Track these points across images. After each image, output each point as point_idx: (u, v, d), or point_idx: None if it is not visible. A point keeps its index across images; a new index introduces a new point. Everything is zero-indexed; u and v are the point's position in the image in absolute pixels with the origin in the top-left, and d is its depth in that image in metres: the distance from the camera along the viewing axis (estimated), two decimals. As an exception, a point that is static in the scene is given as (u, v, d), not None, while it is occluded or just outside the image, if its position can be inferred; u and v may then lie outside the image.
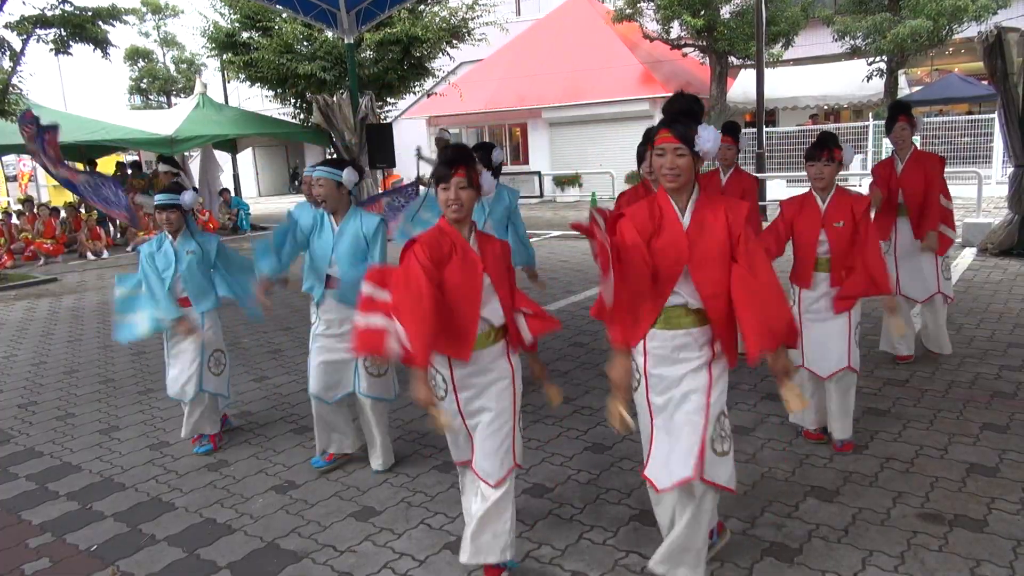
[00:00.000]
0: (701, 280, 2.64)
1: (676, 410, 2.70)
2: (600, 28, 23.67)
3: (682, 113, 2.63)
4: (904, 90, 20.85)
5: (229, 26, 18.65)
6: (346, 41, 14.96)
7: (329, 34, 17.23)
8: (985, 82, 17.36)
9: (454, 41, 18.78)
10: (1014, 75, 8.88)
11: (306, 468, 4.31)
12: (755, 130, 15.79)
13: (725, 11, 20.08)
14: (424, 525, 3.56)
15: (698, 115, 2.62)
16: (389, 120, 19.49)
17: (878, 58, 18.85)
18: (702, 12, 19.48)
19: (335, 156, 15.63)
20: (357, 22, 14.83)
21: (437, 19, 18.54)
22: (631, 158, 5.60)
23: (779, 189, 15.79)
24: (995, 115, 14.27)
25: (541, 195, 22.43)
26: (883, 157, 17.01)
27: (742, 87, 21.67)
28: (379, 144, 14.49)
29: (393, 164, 15.17)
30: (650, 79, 21.78)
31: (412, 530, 3.53)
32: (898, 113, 5.05)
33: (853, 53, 19.36)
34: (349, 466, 4.29)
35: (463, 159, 2.77)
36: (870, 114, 19.07)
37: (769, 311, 2.60)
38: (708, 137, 2.55)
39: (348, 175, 3.98)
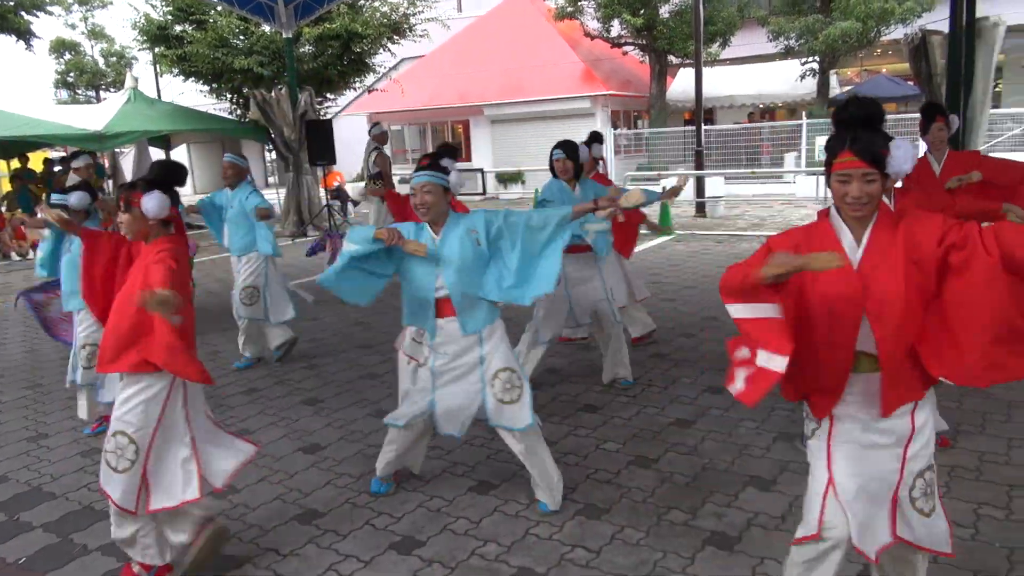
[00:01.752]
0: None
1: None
2: (541, 25, 23.77)
3: (863, 122, 2.10)
4: (835, 90, 21.52)
5: (161, 18, 18.09)
6: (284, 35, 14.69)
7: (266, 28, 16.88)
8: (911, 82, 18.10)
9: (395, 37, 18.60)
10: (937, 76, 9.25)
11: (248, 472, 4.22)
12: (694, 128, 16.05)
13: (664, 10, 20.41)
14: (369, 526, 3.53)
15: (881, 124, 2.12)
16: (329, 116, 19.21)
17: (811, 58, 19.41)
18: (642, 11, 19.76)
19: (275, 149, 15.28)
20: (295, 16, 14.58)
21: (377, 14, 18.34)
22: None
23: (718, 186, 16.12)
24: (919, 115, 14.83)
25: (484, 192, 22.42)
26: (816, 156, 17.67)
27: (681, 85, 22.05)
28: (319, 141, 14.27)
29: (333, 161, 14.95)
30: (591, 77, 21.98)
31: (357, 531, 3.49)
32: (935, 113, 4.62)
33: (787, 53, 19.90)
34: (292, 468, 4.22)
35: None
36: (803, 113, 19.61)
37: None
38: (904, 156, 2.06)
39: (455, 177, 3.38)
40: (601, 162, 6.28)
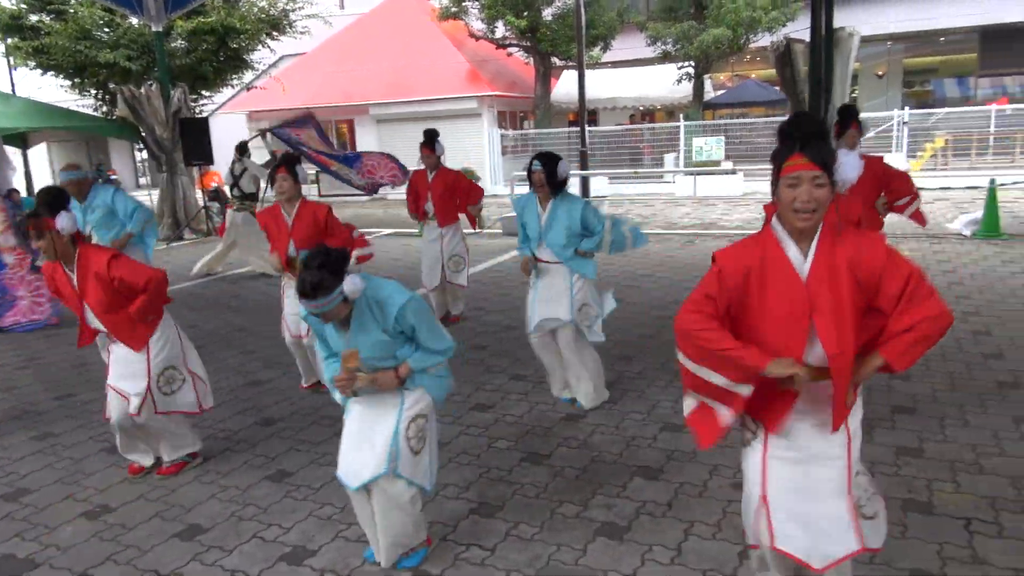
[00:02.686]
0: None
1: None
2: (426, 25, 23.64)
3: (812, 134, 2.12)
4: (709, 93, 22.56)
5: (15, 7, 16.77)
6: (154, 29, 13.94)
7: (134, 20, 15.98)
8: (777, 87, 19.19)
9: (274, 33, 18.02)
10: (801, 81, 9.85)
11: (123, 489, 3.99)
12: (579, 129, 16.41)
13: (547, 13, 20.75)
14: (257, 539, 3.41)
15: (828, 137, 2.17)
16: (205, 114, 18.39)
17: (686, 63, 20.23)
18: (525, 13, 20.01)
19: (146, 148, 14.52)
20: (165, 9, 13.87)
21: (255, 9, 17.70)
22: (461, 154, 5.68)
23: (603, 186, 16.55)
24: (786, 118, 15.77)
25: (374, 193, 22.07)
26: (693, 157, 18.44)
27: (565, 87, 22.49)
28: (195, 140, 13.65)
29: (210, 161, 14.35)
30: (477, 77, 22.07)
31: (244, 545, 3.36)
32: (851, 120, 4.91)
33: (664, 57, 20.67)
34: (171, 483, 4.02)
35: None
36: (681, 115, 20.43)
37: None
38: (851, 165, 2.14)
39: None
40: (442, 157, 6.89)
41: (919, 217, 5.35)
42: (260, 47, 18.24)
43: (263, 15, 17.68)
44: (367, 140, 23.76)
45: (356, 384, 2.92)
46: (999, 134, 18.19)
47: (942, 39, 24.17)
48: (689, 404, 2.42)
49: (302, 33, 18.47)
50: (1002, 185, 11.37)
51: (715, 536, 3.19)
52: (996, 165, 17.47)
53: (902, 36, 23.60)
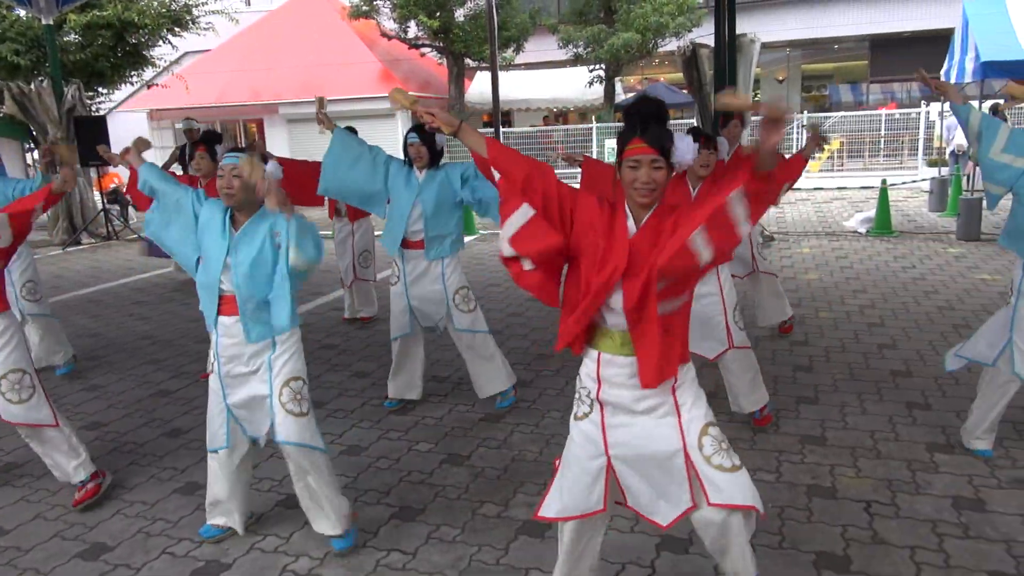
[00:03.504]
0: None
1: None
2: (336, 24, 23.24)
3: (652, 117, 2.25)
4: (620, 95, 23.04)
5: None
6: (44, 22, 13.19)
7: (22, 13, 15.08)
8: (685, 91, 19.76)
9: (176, 29, 17.33)
10: (707, 85, 10.17)
11: (18, 509, 3.75)
12: (493, 130, 16.46)
13: (459, 14, 20.74)
14: (167, 555, 3.27)
15: (666, 120, 2.28)
16: (102, 112, 17.53)
17: (598, 66, 20.60)
18: (438, 14, 19.94)
19: (37, 148, 13.76)
20: (56, 2, 13.14)
21: (155, 3, 16.98)
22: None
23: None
24: (694, 120, 16.29)
25: (283, 194, 21.51)
26: (606, 157, 18.77)
27: (479, 88, 22.53)
28: (91, 139, 12.98)
29: (109, 161, 13.68)
30: (390, 77, 21.84)
31: (153, 562, 3.22)
32: (731, 113, 5.46)
33: (576, 60, 20.98)
34: (72, 501, 3.80)
35: None
36: (593, 117, 20.78)
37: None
38: (686, 148, 2.25)
39: (273, 167, 3.01)
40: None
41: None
42: (161, 43, 17.51)
43: (163, 10, 16.97)
44: (278, 140, 23.19)
45: (253, 175, 2.87)
46: (889, 137, 19.29)
47: (836, 47, 25.45)
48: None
49: (206, 29, 17.83)
50: (893, 185, 12.07)
51: (633, 529, 3.26)
52: (887, 166, 18.51)
53: (800, 43, 24.72)
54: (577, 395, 2.55)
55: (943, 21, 19.15)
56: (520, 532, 3.32)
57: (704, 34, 13.77)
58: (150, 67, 18.35)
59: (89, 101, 15.84)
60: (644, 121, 2.23)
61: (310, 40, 23.04)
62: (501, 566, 3.08)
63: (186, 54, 23.50)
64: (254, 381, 3.10)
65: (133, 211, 16.16)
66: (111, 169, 15.03)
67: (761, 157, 2.11)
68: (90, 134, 12.94)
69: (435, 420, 4.66)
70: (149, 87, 20.11)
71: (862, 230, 10.85)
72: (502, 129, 16.08)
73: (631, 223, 2.31)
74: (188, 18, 17.39)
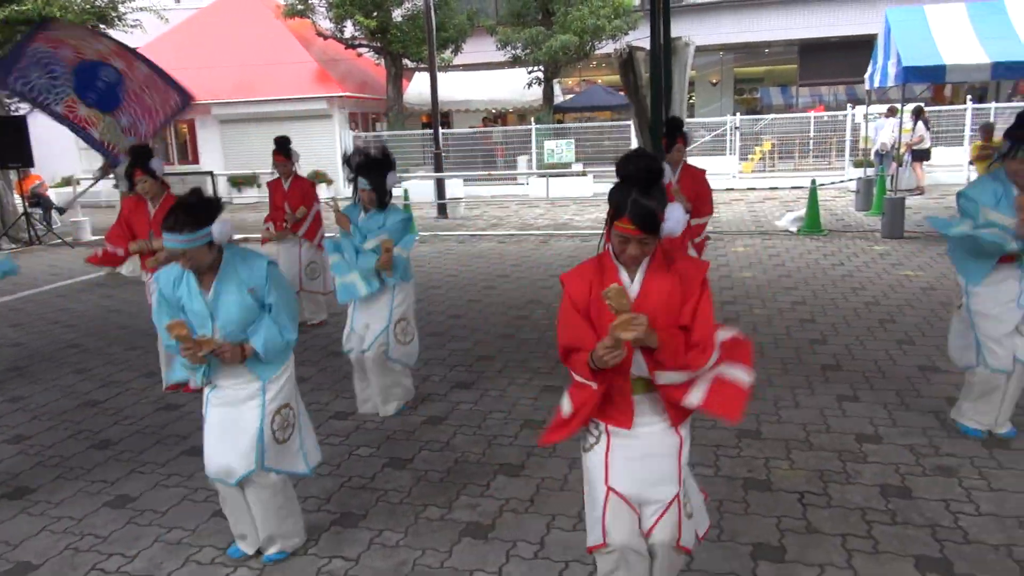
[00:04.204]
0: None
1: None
2: (270, 22, 22.78)
3: (644, 186, 2.21)
4: (559, 97, 23.22)
5: None
6: (-43, 17, 12.59)
7: (-67, 7, 14.35)
8: (622, 92, 20.04)
9: (101, 26, 16.72)
10: (643, 88, 10.31)
11: (-68, 530, 3.56)
12: (432, 131, 16.39)
13: (397, 14, 20.57)
14: (97, 570, 3.15)
15: (660, 179, 2.25)
16: (22, 112, 16.81)
17: (536, 67, 20.71)
18: (375, 13, 19.74)
19: None
20: (-28, -5, 12.56)
21: (79, -1, 16.36)
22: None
23: (457, 188, 16.61)
24: (631, 122, 16.54)
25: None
26: (545, 159, 18.90)
27: (417, 89, 22.40)
28: (10, 140, 12.46)
29: (29, 163, 13.16)
30: (326, 77, 21.53)
31: (81, 579, 3.10)
32: (677, 135, 5.31)
33: (515, 62, 21.04)
34: (-7, 519, 3.64)
35: None
36: (532, 118, 20.89)
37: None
38: (677, 220, 2.26)
39: (221, 229, 2.81)
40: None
41: (697, 246, 5.60)
42: (86, 40, 16.88)
43: (88, 6, 16.37)
44: (210, 141, 22.62)
45: (203, 350, 2.78)
46: (818, 138, 19.94)
47: (767, 51, 26.17)
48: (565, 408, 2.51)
49: (133, 27, 17.26)
50: (822, 185, 12.47)
51: (575, 527, 3.28)
52: (816, 167, 19.12)
53: (732, 47, 25.33)
54: None
55: (867, 28, 19.85)
56: (464, 534, 3.30)
57: (640, 37, 13.98)
58: (74, 65, 17.67)
59: (8, 100, 15.17)
60: (636, 187, 2.20)
61: (243, 39, 22.53)
62: (445, 569, 3.06)
63: (112, 52, 22.72)
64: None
65: (57, 215, 15.55)
66: (32, 171, 14.44)
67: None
68: (9, 134, 12.41)
69: (376, 424, 4.61)
70: (73, 86, 19.37)
71: (793, 229, 11.17)
72: (441, 130, 16.02)
73: (625, 277, 2.36)
74: (114, 15, 16.81)
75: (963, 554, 2.98)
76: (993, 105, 17.55)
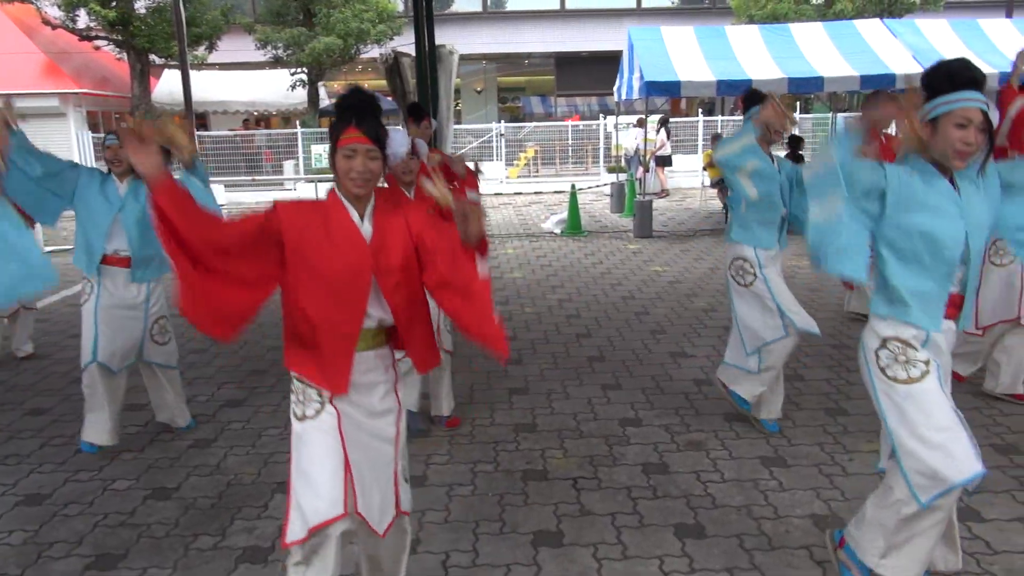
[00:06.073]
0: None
1: None
2: (-16, 7, 19.92)
3: (366, 108, 2.23)
4: (324, 101, 22.65)
5: None
6: None
7: None
8: (390, 98, 20.03)
9: None
10: (410, 93, 10.38)
11: None
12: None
13: (140, 6, 18.87)
14: None
15: (380, 113, 2.26)
16: None
17: (299, 69, 20.05)
18: (113, 3, 17.96)
19: None
20: None
21: None
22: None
23: (219, 194, 15.62)
24: (400, 127, 16.54)
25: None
26: (313, 164, 18.35)
27: (168, 87, 20.69)
28: None
29: None
30: (57, 72, 19.23)
31: None
32: (423, 114, 5.34)
33: (276, 62, 20.22)
34: None
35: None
36: (297, 122, 20.21)
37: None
38: (400, 141, 2.31)
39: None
40: None
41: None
42: None
43: None
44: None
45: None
46: (575, 146, 21.33)
47: (527, 61, 27.49)
48: None
49: None
50: (580, 190, 13.35)
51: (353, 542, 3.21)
52: (575, 172, 20.44)
53: (494, 57, 26.30)
54: None
55: (614, 44, 21.51)
56: (240, 560, 3.11)
57: (405, 43, 14.06)
58: None
59: None
60: (359, 111, 2.21)
61: (-52, 24, 19.50)
62: (221, 601, 2.86)
63: None
64: None
65: None
66: None
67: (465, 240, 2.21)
68: None
69: (134, 454, 4.19)
70: None
71: (557, 231, 11.85)
72: (197, 132, 14.97)
73: (355, 216, 2.27)
74: None
75: (712, 518, 3.34)
76: (720, 118, 19.91)
